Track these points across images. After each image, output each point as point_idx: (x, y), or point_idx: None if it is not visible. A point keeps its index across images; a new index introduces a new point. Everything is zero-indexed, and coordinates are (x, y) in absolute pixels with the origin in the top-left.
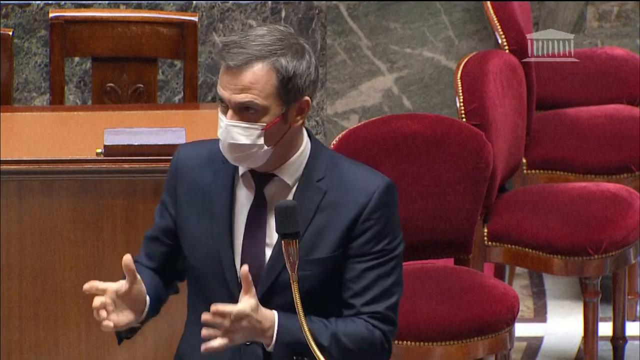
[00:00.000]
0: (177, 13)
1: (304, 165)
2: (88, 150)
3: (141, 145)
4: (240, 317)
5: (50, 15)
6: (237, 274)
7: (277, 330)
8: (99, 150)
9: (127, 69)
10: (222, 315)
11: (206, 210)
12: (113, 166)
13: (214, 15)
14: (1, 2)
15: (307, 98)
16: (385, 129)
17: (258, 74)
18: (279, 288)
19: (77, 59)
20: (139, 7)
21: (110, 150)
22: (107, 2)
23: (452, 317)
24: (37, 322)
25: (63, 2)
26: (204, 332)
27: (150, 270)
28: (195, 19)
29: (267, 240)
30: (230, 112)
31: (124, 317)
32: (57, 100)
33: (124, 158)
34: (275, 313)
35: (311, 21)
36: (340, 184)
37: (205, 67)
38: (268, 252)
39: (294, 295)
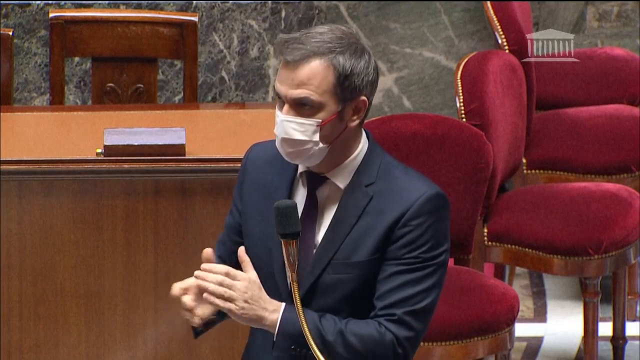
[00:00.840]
0: (177, 13)
1: (356, 168)
2: (88, 150)
3: (141, 145)
4: (235, 277)
5: (50, 15)
6: (286, 275)
7: (281, 320)
8: (99, 150)
9: (127, 69)
10: (213, 271)
11: (265, 208)
12: (113, 166)
13: (214, 15)
14: (1, 2)
15: (364, 98)
16: (385, 129)
17: (315, 69)
18: (320, 290)
19: (77, 59)
20: (139, 7)
21: (110, 150)
22: (107, 2)
23: (452, 317)
24: (37, 322)
25: (63, 2)
26: (205, 295)
27: None
28: (195, 19)
29: (315, 242)
30: (286, 107)
31: (206, 310)
32: (57, 100)
33: (124, 158)
34: (282, 304)
35: (311, 21)
36: (387, 190)
37: (205, 67)
38: None
39: (293, 295)
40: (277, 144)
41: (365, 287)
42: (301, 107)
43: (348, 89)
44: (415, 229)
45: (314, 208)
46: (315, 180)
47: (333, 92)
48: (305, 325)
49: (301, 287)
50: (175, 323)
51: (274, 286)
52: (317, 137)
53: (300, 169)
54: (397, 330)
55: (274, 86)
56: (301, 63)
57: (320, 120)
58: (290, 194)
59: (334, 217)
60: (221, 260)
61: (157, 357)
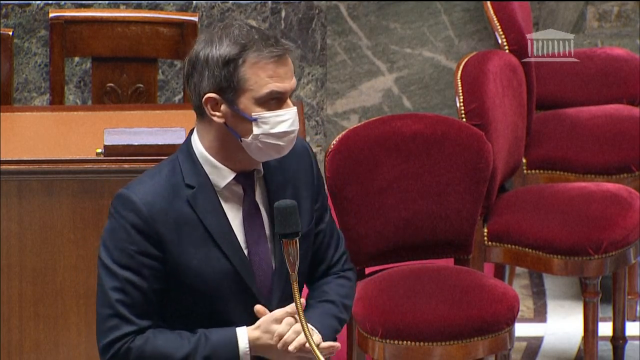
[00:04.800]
0: (177, 13)
1: None
2: (88, 150)
3: (141, 145)
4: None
5: (50, 15)
6: (255, 280)
7: None
8: (99, 150)
9: (127, 69)
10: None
11: (201, 237)
12: (113, 166)
13: (214, 15)
14: (1, 2)
15: None
16: (385, 129)
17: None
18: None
19: (77, 59)
20: (139, 7)
21: (110, 150)
22: (107, 2)
23: (452, 317)
24: (37, 322)
25: (63, 2)
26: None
27: (165, 329)
28: (195, 19)
29: (267, 234)
30: (288, 101)
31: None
32: (57, 100)
33: (124, 158)
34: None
35: (311, 21)
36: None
37: None
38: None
39: (294, 295)
40: (289, 140)
41: (312, 243)
42: (289, 97)
43: None
44: (320, 176)
45: (255, 205)
46: (248, 178)
47: None
48: (304, 324)
49: (277, 278)
50: None
51: (248, 298)
52: None
53: (229, 176)
54: (351, 264)
55: (263, 94)
56: (287, 53)
57: None
58: (221, 207)
59: (270, 200)
60: (153, 316)
61: None
